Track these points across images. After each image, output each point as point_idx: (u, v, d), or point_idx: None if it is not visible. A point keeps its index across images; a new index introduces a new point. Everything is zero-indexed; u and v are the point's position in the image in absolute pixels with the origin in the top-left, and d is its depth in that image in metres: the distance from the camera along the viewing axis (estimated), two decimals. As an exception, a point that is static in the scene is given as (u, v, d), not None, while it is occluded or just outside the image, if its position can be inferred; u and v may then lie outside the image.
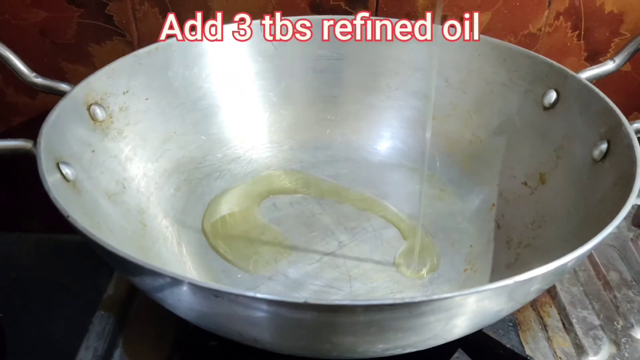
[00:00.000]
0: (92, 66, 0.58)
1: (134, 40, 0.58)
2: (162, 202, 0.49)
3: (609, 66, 0.47)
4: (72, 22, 0.57)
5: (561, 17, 0.58)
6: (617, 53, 0.47)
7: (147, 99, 0.50)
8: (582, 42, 0.60)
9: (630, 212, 0.56)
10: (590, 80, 0.46)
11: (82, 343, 0.43)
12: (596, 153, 0.43)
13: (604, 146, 0.42)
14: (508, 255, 0.45)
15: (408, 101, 0.56)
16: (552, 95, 0.48)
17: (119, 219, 0.44)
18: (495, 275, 0.45)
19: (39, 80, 0.45)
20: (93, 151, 0.45)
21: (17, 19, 0.56)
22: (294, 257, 0.47)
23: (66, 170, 0.40)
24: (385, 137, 0.57)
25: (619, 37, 0.59)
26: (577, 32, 0.59)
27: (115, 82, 0.48)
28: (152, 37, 0.56)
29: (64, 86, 0.45)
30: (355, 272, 0.46)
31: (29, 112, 0.62)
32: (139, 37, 0.58)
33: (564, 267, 0.31)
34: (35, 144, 0.39)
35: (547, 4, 0.57)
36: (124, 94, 0.48)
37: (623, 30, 0.59)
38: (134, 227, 0.45)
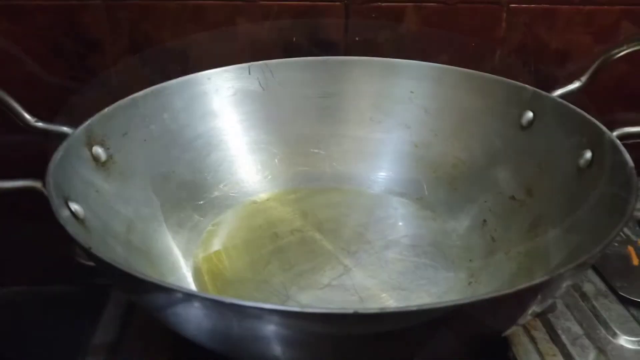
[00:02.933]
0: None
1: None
2: (165, 240, 0.45)
3: (576, 85, 0.48)
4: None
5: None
6: (582, 74, 0.48)
7: (145, 140, 0.47)
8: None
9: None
10: (562, 97, 0.47)
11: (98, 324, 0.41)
12: (582, 162, 0.42)
13: (589, 154, 0.42)
14: (510, 264, 0.44)
15: (391, 132, 0.55)
16: (529, 115, 0.48)
17: (127, 257, 0.40)
18: (500, 285, 0.43)
19: (40, 124, 0.42)
20: (97, 191, 0.41)
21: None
22: (302, 283, 0.44)
23: (75, 207, 0.37)
24: (374, 166, 0.55)
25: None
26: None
27: (114, 125, 0.45)
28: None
29: (65, 129, 0.42)
30: (365, 294, 0.43)
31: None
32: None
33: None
34: (44, 183, 0.36)
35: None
36: (123, 135, 0.45)
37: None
38: (141, 264, 0.41)
